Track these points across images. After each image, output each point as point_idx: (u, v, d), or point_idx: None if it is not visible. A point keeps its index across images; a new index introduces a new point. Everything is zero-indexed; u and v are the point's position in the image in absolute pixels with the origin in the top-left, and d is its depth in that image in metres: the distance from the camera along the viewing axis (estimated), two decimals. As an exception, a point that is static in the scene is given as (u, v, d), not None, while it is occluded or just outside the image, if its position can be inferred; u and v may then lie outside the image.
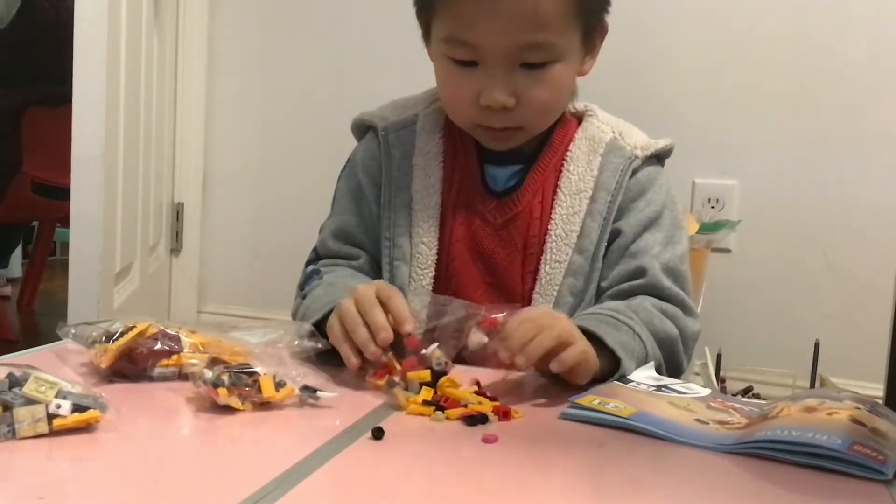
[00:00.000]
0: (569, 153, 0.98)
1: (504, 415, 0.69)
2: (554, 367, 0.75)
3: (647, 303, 0.91)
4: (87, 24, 1.70)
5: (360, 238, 1.01)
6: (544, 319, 0.77)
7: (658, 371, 0.86)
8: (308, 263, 1.03)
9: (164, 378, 0.74)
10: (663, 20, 1.86)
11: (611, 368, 0.81)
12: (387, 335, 0.75)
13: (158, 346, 0.74)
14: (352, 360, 0.77)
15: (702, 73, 1.86)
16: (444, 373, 0.74)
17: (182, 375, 0.74)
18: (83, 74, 1.70)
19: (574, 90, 1.02)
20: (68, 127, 1.71)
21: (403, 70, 1.95)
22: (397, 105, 1.06)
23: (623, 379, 0.79)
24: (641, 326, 0.87)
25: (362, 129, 1.07)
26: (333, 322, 0.81)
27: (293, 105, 2.20)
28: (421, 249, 0.97)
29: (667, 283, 0.93)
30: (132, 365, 0.73)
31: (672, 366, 0.90)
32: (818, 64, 1.78)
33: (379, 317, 0.76)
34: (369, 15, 2.09)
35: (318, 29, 2.16)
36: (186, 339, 0.75)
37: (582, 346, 0.77)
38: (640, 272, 0.93)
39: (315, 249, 1.04)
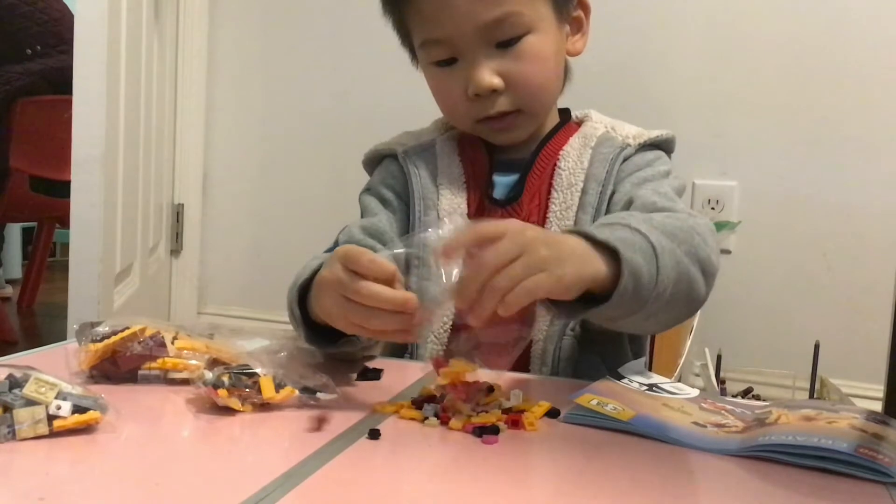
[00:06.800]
0: (562, 152, 0.98)
1: (514, 423, 0.66)
2: (501, 311, 0.64)
3: (637, 212, 0.84)
4: (87, 24, 1.70)
5: (390, 236, 0.98)
6: (515, 243, 0.65)
7: (684, 271, 0.76)
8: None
9: (147, 381, 0.73)
10: (662, 21, 1.86)
11: (613, 269, 0.71)
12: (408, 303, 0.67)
13: (139, 348, 0.73)
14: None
15: (701, 74, 1.86)
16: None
17: (167, 379, 0.73)
18: (83, 74, 1.71)
19: (567, 68, 1.02)
20: (59, 119, 1.69)
21: (402, 69, 1.96)
22: (411, 134, 1.07)
23: (615, 374, 0.78)
24: (639, 221, 0.77)
25: (376, 160, 1.07)
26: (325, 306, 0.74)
27: (293, 106, 2.20)
28: None
29: (656, 197, 0.88)
30: (115, 367, 0.73)
31: (702, 261, 0.80)
32: (818, 64, 1.78)
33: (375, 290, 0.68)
34: (369, 15, 2.09)
35: (318, 29, 2.16)
36: (172, 347, 0.74)
37: (555, 274, 0.66)
38: (627, 205, 0.90)
39: (336, 242, 0.98)
